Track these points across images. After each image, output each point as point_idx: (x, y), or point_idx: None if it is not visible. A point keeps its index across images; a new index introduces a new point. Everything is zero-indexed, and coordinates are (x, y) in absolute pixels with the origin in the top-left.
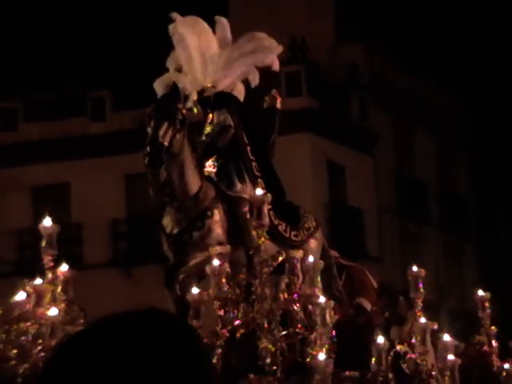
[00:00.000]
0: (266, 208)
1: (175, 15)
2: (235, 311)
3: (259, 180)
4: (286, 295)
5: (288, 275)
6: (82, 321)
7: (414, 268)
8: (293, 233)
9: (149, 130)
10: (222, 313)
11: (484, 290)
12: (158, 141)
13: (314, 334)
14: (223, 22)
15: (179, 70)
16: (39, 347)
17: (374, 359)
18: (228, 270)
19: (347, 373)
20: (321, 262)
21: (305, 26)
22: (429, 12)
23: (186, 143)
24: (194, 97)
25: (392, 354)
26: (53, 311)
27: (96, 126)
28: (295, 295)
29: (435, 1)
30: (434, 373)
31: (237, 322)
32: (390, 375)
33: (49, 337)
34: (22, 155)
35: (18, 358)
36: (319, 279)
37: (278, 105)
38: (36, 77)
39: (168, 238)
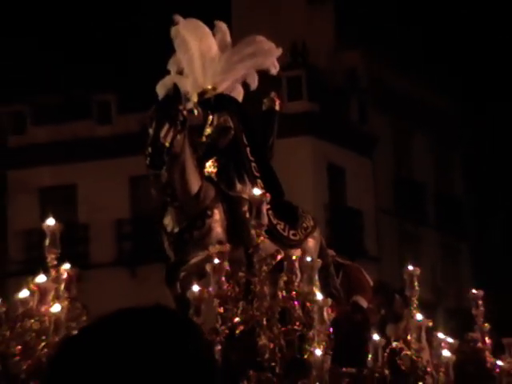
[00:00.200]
0: (264, 208)
1: (178, 18)
2: (235, 309)
3: (258, 180)
4: (284, 293)
5: (286, 273)
6: (84, 318)
7: (410, 267)
8: (291, 232)
9: (150, 131)
10: (221, 310)
11: (479, 289)
12: (160, 141)
13: (312, 331)
14: (223, 26)
15: (180, 72)
16: (43, 344)
17: (370, 356)
18: (228, 268)
19: (344, 369)
20: (318, 260)
21: (305, 31)
22: (427, 17)
23: (186, 144)
24: (195, 99)
25: (388, 350)
26: (56, 308)
27: (102, 128)
28: (293, 293)
29: (433, 5)
30: (429, 369)
31: (236, 320)
32: (386, 371)
33: (52, 333)
34: (30, 157)
35: (22, 355)
36: (317, 277)
37: (277, 107)
38: (44, 81)
39: (169, 237)
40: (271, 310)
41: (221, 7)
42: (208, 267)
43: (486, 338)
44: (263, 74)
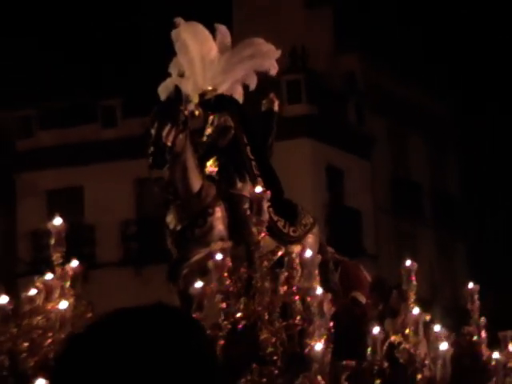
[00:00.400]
0: (265, 205)
1: (179, 20)
2: (237, 304)
3: (259, 178)
4: (285, 288)
5: (287, 269)
6: (90, 315)
7: (407, 262)
8: (291, 229)
9: (152, 131)
10: (224, 305)
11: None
12: (162, 141)
13: (313, 326)
14: (223, 28)
15: (181, 75)
16: (49, 340)
17: (369, 349)
18: (229, 264)
19: (344, 362)
20: (318, 256)
21: (305, 36)
22: (426, 20)
23: (188, 143)
24: (196, 99)
25: (387, 344)
26: (62, 305)
27: (107, 132)
28: (294, 288)
29: (432, 10)
30: (426, 362)
31: (238, 315)
32: (385, 364)
33: (58, 330)
34: (38, 161)
35: (29, 351)
36: (317, 273)
37: (276, 108)
38: (50, 86)
39: (171, 235)
40: (272, 305)
41: (222, 11)
42: (210, 264)
43: (482, 332)
44: (263, 76)
